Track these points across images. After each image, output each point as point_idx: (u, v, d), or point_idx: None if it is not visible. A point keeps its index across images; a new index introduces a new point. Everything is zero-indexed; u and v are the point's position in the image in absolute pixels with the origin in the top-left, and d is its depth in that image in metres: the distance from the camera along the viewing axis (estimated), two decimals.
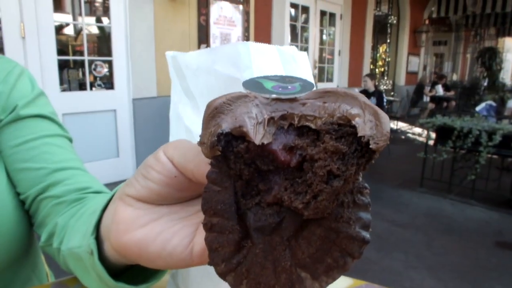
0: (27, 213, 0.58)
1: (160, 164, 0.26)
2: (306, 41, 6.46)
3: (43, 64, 3.25)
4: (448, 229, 3.15)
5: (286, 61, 0.38)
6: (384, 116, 0.21)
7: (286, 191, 0.22)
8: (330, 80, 7.10)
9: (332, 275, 0.23)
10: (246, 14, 4.87)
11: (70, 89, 3.87)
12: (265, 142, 0.21)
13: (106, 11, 3.87)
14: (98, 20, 4.22)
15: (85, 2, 3.81)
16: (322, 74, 6.93)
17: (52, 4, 3.26)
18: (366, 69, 7.89)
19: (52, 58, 3.31)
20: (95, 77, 3.77)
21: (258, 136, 0.21)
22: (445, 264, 2.56)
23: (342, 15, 6.96)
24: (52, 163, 0.55)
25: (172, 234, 0.27)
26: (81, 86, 3.86)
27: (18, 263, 0.61)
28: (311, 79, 0.39)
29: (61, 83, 3.51)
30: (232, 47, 0.34)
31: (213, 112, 0.22)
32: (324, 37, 7.04)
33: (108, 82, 3.86)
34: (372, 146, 0.20)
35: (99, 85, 3.83)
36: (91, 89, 3.73)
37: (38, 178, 0.54)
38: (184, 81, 0.41)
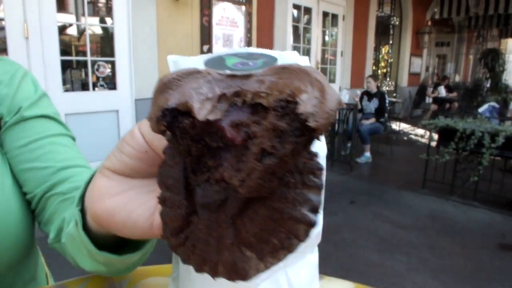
0: (32, 213, 0.58)
1: (133, 139, 0.27)
2: (309, 42, 6.46)
3: (46, 64, 3.26)
4: (450, 231, 3.14)
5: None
6: (331, 93, 0.20)
7: (231, 168, 0.21)
8: (332, 81, 7.10)
9: (278, 256, 0.22)
10: (248, 15, 4.87)
11: (73, 89, 3.88)
12: (211, 118, 0.21)
13: (109, 11, 3.88)
14: (102, 21, 4.24)
15: (88, 3, 3.83)
16: (324, 75, 6.91)
17: (56, 4, 3.27)
18: (369, 70, 7.89)
19: (55, 59, 3.32)
20: (97, 78, 3.78)
21: (203, 111, 0.21)
22: (447, 267, 2.56)
23: (345, 16, 6.96)
24: (58, 162, 0.56)
25: (137, 205, 0.28)
26: (84, 86, 3.87)
27: (21, 264, 0.61)
28: None
29: (64, 83, 3.51)
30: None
31: (161, 87, 0.22)
32: (327, 38, 7.04)
33: (110, 83, 3.87)
34: (311, 124, 0.19)
35: (101, 86, 3.83)
36: (93, 89, 3.73)
37: (44, 177, 0.55)
38: None
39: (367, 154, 5.34)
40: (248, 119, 0.21)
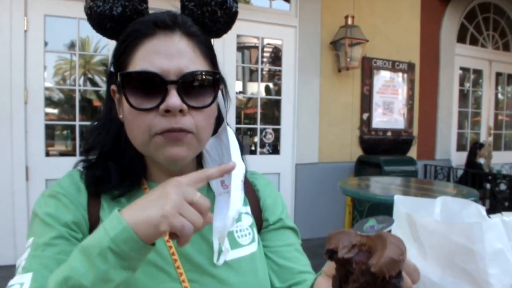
0: None
1: (327, 265, 0.48)
2: (477, 104, 5.91)
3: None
4: None
5: (509, 229, 0.45)
6: (387, 254, 0.36)
7: (352, 282, 0.39)
8: (509, 148, 6.23)
9: None
10: (410, 82, 4.80)
11: (242, 153, 4.39)
12: (345, 256, 0.39)
13: (271, 78, 4.36)
14: (267, 88, 4.75)
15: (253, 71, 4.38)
16: (499, 141, 6.14)
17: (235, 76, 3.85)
18: None
19: (233, 127, 3.85)
20: (263, 143, 4.21)
21: (342, 252, 0.40)
22: None
23: None
24: (299, 266, 0.74)
25: None
26: (251, 150, 4.34)
27: None
28: None
29: None
30: (467, 225, 0.43)
31: (329, 237, 0.42)
32: (500, 96, 6.31)
33: (272, 146, 4.25)
34: (372, 269, 0.36)
35: (267, 150, 4.24)
36: (259, 153, 4.16)
37: (289, 275, 0.73)
38: (415, 231, 0.49)
39: None
40: (362, 259, 0.39)
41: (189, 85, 0.59)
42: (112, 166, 0.65)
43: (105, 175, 0.64)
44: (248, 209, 0.75)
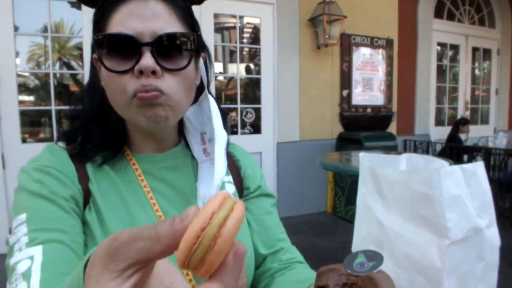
0: None
1: None
2: (456, 80, 6.01)
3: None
4: None
5: (468, 177, 0.45)
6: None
7: None
8: (485, 122, 6.38)
9: None
10: (389, 58, 4.83)
11: (225, 122, 4.37)
12: None
13: (252, 58, 4.33)
14: (248, 68, 4.71)
15: (233, 51, 4.33)
16: (475, 114, 6.28)
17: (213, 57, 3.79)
18: None
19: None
20: (244, 123, 4.20)
21: None
22: None
23: (500, 50, 6.28)
24: (277, 233, 0.77)
25: None
26: (233, 130, 4.33)
27: None
28: (485, 190, 0.47)
29: None
30: (426, 173, 0.43)
31: (319, 274, 0.45)
32: (477, 72, 6.42)
33: (254, 126, 4.25)
34: None
35: (248, 130, 4.24)
36: (240, 133, 4.16)
37: (271, 242, 0.75)
38: (378, 184, 0.49)
39: None
40: None
41: (164, 47, 0.59)
42: (95, 129, 0.66)
43: (87, 138, 0.66)
44: (230, 178, 0.77)
